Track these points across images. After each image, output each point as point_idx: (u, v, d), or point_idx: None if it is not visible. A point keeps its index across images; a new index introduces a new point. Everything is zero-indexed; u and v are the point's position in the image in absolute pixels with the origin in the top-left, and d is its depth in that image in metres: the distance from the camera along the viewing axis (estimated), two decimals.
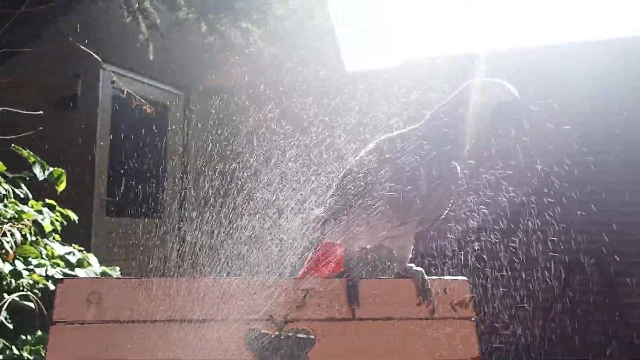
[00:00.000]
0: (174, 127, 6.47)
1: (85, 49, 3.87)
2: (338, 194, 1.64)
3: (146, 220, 5.80)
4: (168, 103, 6.47)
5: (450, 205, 1.65)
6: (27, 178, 2.67)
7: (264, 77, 4.96)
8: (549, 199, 3.56)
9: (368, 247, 1.73)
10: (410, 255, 1.68)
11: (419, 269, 1.62)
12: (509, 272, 3.91)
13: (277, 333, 1.48)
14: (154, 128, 5.70)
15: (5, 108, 3.34)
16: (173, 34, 4.93)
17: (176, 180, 6.36)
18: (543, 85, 4.55)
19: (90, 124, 5.37)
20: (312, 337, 1.50)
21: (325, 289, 1.53)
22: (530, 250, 4.13)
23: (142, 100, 3.73)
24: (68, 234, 3.05)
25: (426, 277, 1.59)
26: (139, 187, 5.66)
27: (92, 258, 2.71)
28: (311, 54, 5.65)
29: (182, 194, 6.34)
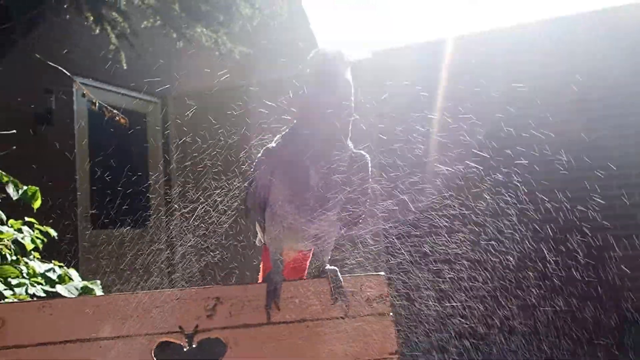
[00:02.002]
0: (152, 134, 6.46)
1: (54, 65, 3.85)
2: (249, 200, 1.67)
3: (132, 230, 5.80)
4: (145, 111, 6.46)
5: (364, 189, 1.62)
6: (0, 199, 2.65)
7: (238, 77, 4.97)
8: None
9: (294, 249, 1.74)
10: (329, 256, 1.67)
11: (333, 267, 1.61)
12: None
13: (187, 344, 1.46)
14: (133, 137, 5.69)
15: None
16: (143, 42, 4.92)
17: (159, 187, 6.35)
18: (521, 64, 4.59)
19: (68, 138, 5.35)
20: (224, 345, 1.47)
21: (237, 296, 1.50)
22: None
23: (114, 111, 3.72)
24: (53, 251, 3.04)
25: (339, 275, 1.57)
26: (123, 197, 5.65)
27: (73, 273, 2.70)
28: (285, 50, 5.66)
29: (166, 201, 6.34)
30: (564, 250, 4.12)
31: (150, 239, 6.05)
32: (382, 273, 1.58)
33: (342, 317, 1.52)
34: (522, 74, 4.40)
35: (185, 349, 1.47)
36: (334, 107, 1.53)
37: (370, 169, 1.62)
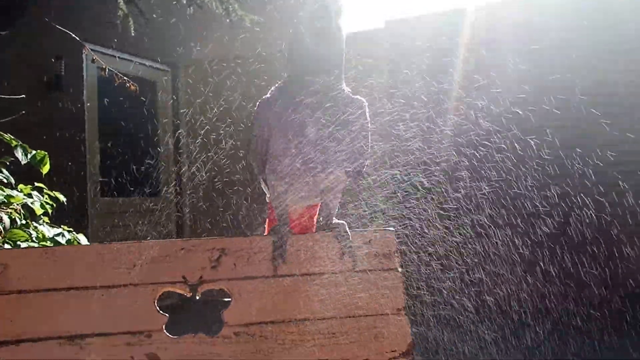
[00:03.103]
0: (162, 102, 6.44)
1: (64, 30, 3.82)
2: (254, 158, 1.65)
3: (142, 199, 5.81)
4: (155, 79, 6.42)
5: (364, 136, 1.59)
6: (7, 163, 2.65)
7: (249, 46, 4.93)
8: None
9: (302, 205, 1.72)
10: (336, 210, 1.64)
11: (341, 221, 1.59)
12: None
13: (190, 294, 1.46)
14: (143, 105, 5.67)
15: None
16: (153, 9, 4.87)
17: (169, 156, 6.35)
18: (531, 34, 4.51)
19: (77, 105, 5.34)
20: (228, 296, 1.47)
21: (243, 248, 1.49)
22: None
23: (125, 78, 3.69)
24: (62, 217, 3.05)
25: (347, 229, 1.55)
26: (133, 166, 5.66)
27: (81, 238, 2.71)
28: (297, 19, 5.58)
29: (177, 170, 6.35)
30: None
31: (160, 208, 6.08)
32: (392, 228, 1.56)
33: (349, 272, 1.51)
34: (541, 42, 4.32)
35: (188, 299, 1.47)
36: (328, 53, 1.51)
37: (368, 114, 1.59)
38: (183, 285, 1.45)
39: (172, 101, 6.54)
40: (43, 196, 2.90)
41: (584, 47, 4.43)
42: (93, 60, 3.75)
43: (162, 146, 6.31)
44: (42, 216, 2.79)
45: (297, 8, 1.60)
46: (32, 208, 2.74)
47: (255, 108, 1.62)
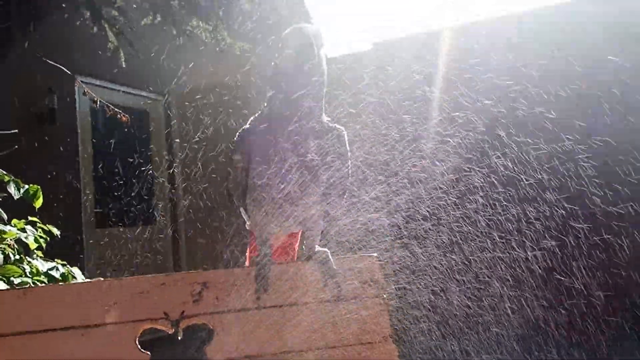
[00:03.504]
0: (155, 131, 6.46)
1: (54, 63, 3.85)
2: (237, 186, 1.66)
3: (136, 227, 5.82)
4: (147, 108, 6.46)
5: (344, 174, 1.60)
6: (0, 198, 2.66)
7: (237, 72, 4.97)
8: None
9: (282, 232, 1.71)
10: (319, 237, 1.64)
11: (323, 249, 1.58)
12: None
13: (172, 330, 1.43)
14: (136, 135, 5.70)
15: None
16: (143, 39, 4.91)
17: (163, 184, 6.36)
18: (517, 52, 4.56)
19: (71, 137, 5.36)
20: (211, 331, 1.45)
21: (225, 280, 1.47)
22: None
23: (116, 109, 3.71)
24: (57, 250, 3.05)
25: (330, 257, 1.54)
26: (127, 196, 5.67)
27: (76, 271, 2.70)
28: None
29: (171, 198, 6.36)
30: None
31: (155, 237, 6.08)
32: (375, 254, 1.55)
33: (333, 300, 1.49)
34: (525, 61, 4.37)
35: (170, 336, 1.44)
36: (308, 85, 1.52)
37: (347, 143, 1.60)
38: (164, 321, 1.43)
39: (164, 129, 6.57)
40: (37, 230, 2.91)
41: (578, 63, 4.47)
42: (84, 93, 3.78)
43: (156, 174, 6.33)
44: (36, 250, 2.79)
45: (282, 38, 1.62)
46: (26, 242, 2.75)
47: (235, 138, 1.64)
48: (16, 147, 3.41)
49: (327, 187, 1.58)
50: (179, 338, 1.45)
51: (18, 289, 1.48)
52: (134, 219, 5.66)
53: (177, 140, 6.51)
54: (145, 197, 5.94)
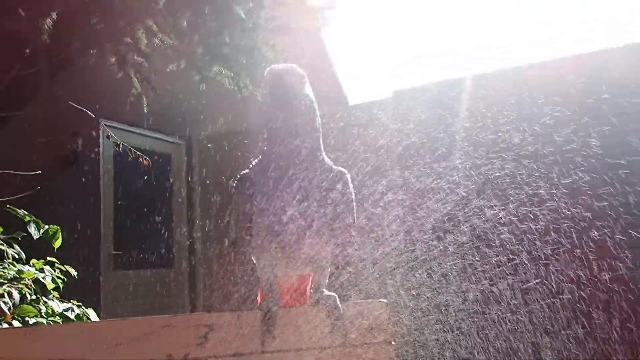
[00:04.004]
0: (176, 175, 6.53)
1: (80, 107, 3.94)
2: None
3: (155, 271, 5.83)
4: (170, 153, 6.54)
5: (349, 206, 1.59)
6: (19, 238, 2.70)
7: (259, 120, 5.02)
8: None
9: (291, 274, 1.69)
10: (326, 281, 1.62)
11: (331, 293, 1.56)
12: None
13: None
14: (158, 178, 5.76)
15: (5, 171, 3.40)
16: (166, 84, 5.01)
17: (183, 228, 6.39)
18: (536, 103, 4.57)
19: (93, 179, 5.43)
20: None
21: (230, 323, 1.46)
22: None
23: (138, 153, 3.78)
24: (75, 291, 3.07)
25: (338, 302, 1.53)
26: (146, 238, 5.70)
27: (91, 312, 2.72)
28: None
29: (190, 242, 6.38)
30: None
31: (172, 280, 6.08)
32: (384, 300, 1.53)
33: (339, 347, 1.47)
34: (542, 112, 4.38)
35: None
36: (294, 122, 1.52)
37: (350, 183, 1.59)
38: None
39: (185, 173, 6.64)
40: (55, 270, 2.94)
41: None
42: (108, 137, 3.86)
43: (176, 218, 6.37)
44: (52, 291, 2.82)
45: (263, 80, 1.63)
46: (43, 282, 2.77)
47: (235, 183, 1.64)
48: (39, 188, 3.47)
49: (332, 230, 1.57)
50: None
51: (21, 327, 1.47)
52: (153, 262, 5.68)
53: (198, 183, 6.56)
54: (165, 240, 5.97)
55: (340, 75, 8.79)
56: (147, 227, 5.71)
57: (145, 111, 4.18)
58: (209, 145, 6.53)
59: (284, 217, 1.51)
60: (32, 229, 2.68)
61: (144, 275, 5.78)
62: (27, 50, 3.49)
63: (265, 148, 1.63)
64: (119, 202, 5.72)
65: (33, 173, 3.54)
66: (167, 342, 1.43)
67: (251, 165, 1.65)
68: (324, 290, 1.61)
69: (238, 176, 1.63)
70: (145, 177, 5.27)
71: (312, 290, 1.66)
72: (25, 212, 2.73)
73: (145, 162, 3.78)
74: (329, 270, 1.66)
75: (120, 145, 3.80)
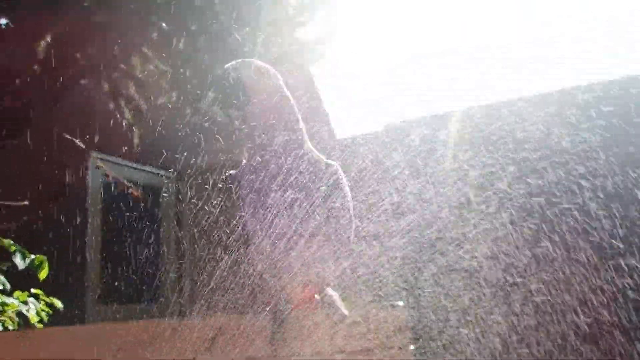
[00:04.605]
0: (167, 209, 6.48)
1: (70, 137, 3.92)
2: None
3: (141, 305, 5.73)
4: (159, 186, 6.49)
5: (344, 199, 1.56)
6: (5, 268, 2.65)
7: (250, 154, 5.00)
8: None
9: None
10: (330, 280, 1.59)
11: (333, 292, 1.54)
12: None
13: None
14: (147, 212, 5.70)
15: None
16: (159, 117, 5.00)
17: (171, 263, 6.32)
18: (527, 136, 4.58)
19: (80, 211, 5.37)
20: None
21: (240, 327, 1.41)
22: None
23: (128, 184, 3.75)
24: (59, 323, 3.01)
25: (339, 300, 1.50)
26: (133, 273, 5.62)
27: None
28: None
29: (178, 278, 6.29)
30: None
31: (159, 315, 5.98)
32: (401, 303, 1.49)
33: (354, 352, 1.41)
34: (536, 146, 4.38)
35: None
36: (273, 110, 1.50)
37: (343, 176, 1.56)
38: None
39: (174, 207, 6.58)
40: (39, 302, 2.87)
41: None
42: (97, 167, 3.83)
43: (164, 252, 6.29)
44: (37, 323, 2.75)
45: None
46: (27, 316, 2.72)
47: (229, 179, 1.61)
48: (25, 218, 3.42)
49: (331, 228, 1.53)
50: None
51: (16, 330, 1.43)
52: (139, 296, 5.59)
53: (188, 218, 6.51)
54: (152, 275, 5.88)
55: (329, 109, 8.83)
56: (134, 261, 5.63)
57: (136, 142, 4.17)
58: (199, 179, 6.50)
59: (276, 217, 1.48)
60: (17, 259, 2.63)
61: (131, 309, 5.68)
62: (17, 81, 3.49)
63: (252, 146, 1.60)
64: (106, 236, 5.65)
65: (19, 204, 3.49)
66: (173, 347, 1.39)
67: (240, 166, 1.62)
68: (329, 289, 1.57)
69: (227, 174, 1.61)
70: (134, 210, 5.21)
71: (318, 293, 1.60)
72: (11, 242, 2.68)
73: (135, 193, 3.75)
74: (332, 267, 1.60)
75: (110, 176, 3.77)
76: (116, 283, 5.44)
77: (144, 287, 5.54)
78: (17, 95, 3.48)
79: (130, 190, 3.77)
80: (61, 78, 3.68)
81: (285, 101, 1.57)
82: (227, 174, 1.61)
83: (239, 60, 1.60)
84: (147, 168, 6.25)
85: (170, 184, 6.58)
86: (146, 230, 5.87)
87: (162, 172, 6.47)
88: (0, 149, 3.72)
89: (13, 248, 2.66)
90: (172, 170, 6.57)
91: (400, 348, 1.45)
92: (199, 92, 4.30)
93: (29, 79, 3.81)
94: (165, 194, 6.52)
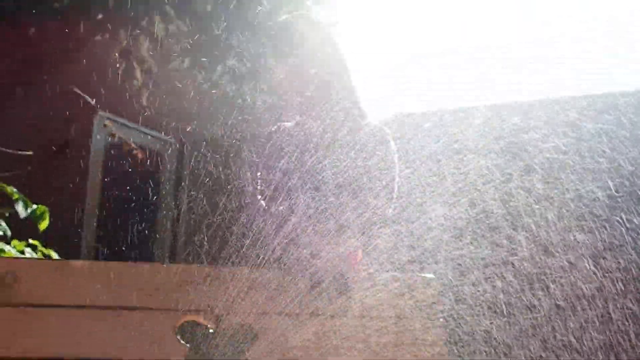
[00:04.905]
0: (167, 174, 6.47)
1: (81, 93, 3.91)
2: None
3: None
4: (162, 151, 6.47)
5: (390, 168, 1.52)
6: (7, 214, 2.65)
7: (260, 125, 4.99)
8: None
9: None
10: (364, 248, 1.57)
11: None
12: None
13: (214, 326, 1.35)
14: (147, 176, 5.69)
15: None
16: (168, 82, 4.98)
17: (167, 227, 6.33)
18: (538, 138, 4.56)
19: (82, 169, 5.36)
20: (254, 334, 1.35)
21: (276, 281, 1.38)
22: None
23: (133, 145, 3.75)
24: None
25: (344, 274, 1.46)
26: (129, 234, 5.62)
27: None
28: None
29: (174, 243, 6.31)
30: None
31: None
32: (432, 275, 1.47)
33: (389, 317, 1.40)
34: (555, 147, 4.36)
35: (211, 331, 1.35)
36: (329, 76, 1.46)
37: (391, 143, 1.51)
38: (208, 315, 1.35)
39: (176, 173, 6.57)
40: (37, 253, 2.88)
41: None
42: (105, 125, 3.82)
43: (162, 215, 6.30)
44: None
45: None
46: None
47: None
48: (29, 168, 3.42)
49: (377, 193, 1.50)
50: (220, 335, 1.36)
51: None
52: (135, 256, 5.60)
53: (188, 185, 6.50)
54: (149, 236, 5.89)
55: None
56: (132, 222, 5.63)
57: (144, 104, 4.16)
58: (203, 148, 6.48)
59: (327, 191, 1.46)
60: (19, 207, 2.63)
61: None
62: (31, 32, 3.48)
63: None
64: (105, 195, 5.65)
65: (24, 153, 3.50)
66: (207, 294, 1.36)
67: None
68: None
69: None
70: (135, 173, 5.21)
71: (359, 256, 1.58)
72: (14, 190, 2.68)
73: (140, 154, 3.75)
74: (373, 231, 1.57)
75: (116, 136, 3.77)
76: (113, 239, 5.45)
77: (141, 244, 5.56)
78: (30, 48, 3.47)
79: (135, 151, 3.76)
80: (77, 32, 3.66)
81: (338, 56, 1.54)
82: (279, 126, 1.58)
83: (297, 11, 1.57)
84: (152, 132, 6.23)
85: (173, 150, 6.57)
86: (146, 194, 5.87)
87: (166, 138, 6.46)
88: (11, 99, 3.71)
89: (16, 196, 2.66)
90: (178, 136, 6.56)
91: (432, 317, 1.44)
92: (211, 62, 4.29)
93: (44, 33, 3.80)
94: (168, 160, 6.52)
